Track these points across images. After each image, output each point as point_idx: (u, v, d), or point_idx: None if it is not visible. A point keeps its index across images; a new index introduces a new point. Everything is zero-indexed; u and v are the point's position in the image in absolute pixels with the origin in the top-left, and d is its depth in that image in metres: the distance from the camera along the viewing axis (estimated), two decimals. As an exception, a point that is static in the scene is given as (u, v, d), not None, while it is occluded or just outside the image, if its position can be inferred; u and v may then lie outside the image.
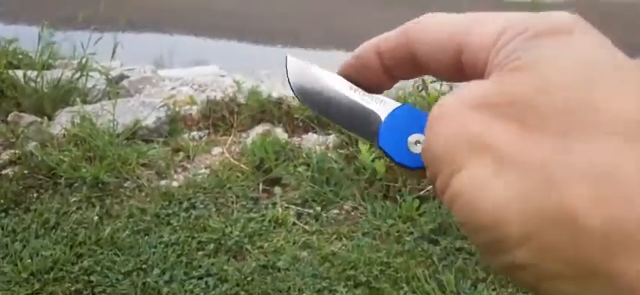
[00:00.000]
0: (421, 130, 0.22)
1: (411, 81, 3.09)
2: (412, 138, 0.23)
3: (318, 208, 2.05)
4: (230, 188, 2.14)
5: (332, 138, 2.42)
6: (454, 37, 0.20)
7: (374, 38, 0.23)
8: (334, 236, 1.93)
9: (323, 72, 0.27)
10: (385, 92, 0.26)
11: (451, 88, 2.62)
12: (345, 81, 0.26)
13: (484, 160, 0.16)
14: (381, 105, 0.25)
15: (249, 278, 1.72)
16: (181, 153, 2.36)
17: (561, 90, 0.16)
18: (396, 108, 0.24)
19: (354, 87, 0.25)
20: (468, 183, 0.16)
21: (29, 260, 1.76)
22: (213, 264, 1.77)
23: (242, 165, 2.28)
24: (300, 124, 2.54)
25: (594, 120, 0.15)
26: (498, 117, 0.16)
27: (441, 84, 2.61)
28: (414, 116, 0.24)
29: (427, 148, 0.19)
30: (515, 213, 0.15)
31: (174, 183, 2.19)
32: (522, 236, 0.15)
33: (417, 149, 0.23)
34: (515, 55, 0.17)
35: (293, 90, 0.27)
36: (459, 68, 0.20)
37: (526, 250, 0.15)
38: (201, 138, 2.49)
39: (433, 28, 0.21)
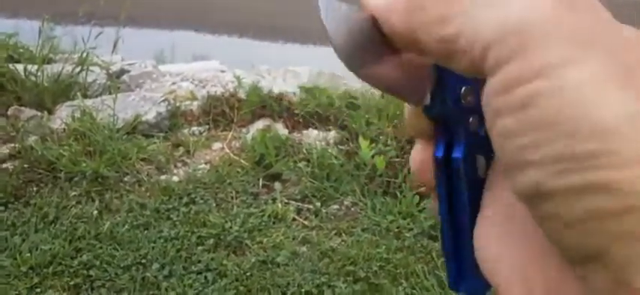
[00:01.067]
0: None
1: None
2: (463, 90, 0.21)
3: (318, 204, 2.04)
4: (230, 183, 2.14)
5: (332, 134, 2.42)
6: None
7: None
8: (334, 232, 1.93)
9: None
10: None
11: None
12: None
13: (594, 52, 0.14)
14: None
15: (248, 274, 1.72)
16: (181, 148, 2.35)
17: None
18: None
19: None
20: (587, 80, 0.13)
21: (28, 254, 1.76)
22: (212, 259, 1.77)
23: (242, 161, 2.27)
24: (301, 120, 2.53)
25: None
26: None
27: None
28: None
29: (505, 16, 0.14)
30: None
31: (174, 178, 2.18)
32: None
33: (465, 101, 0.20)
34: None
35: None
36: None
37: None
38: (201, 133, 2.49)
39: None
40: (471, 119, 0.21)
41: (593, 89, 0.13)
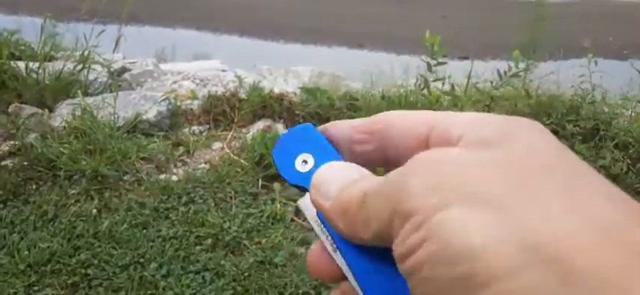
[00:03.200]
0: (312, 151, 0.24)
1: (412, 80, 3.07)
2: (301, 157, 0.24)
3: (317, 205, 2.04)
4: (229, 183, 2.14)
5: (332, 135, 2.41)
6: (426, 120, 0.21)
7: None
8: (333, 234, 1.92)
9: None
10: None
11: (453, 88, 2.60)
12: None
13: (471, 202, 0.16)
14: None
15: (246, 274, 1.71)
16: (181, 148, 2.35)
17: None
18: (299, 126, 0.25)
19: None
20: (455, 217, 0.16)
21: (27, 252, 1.76)
22: (210, 259, 1.77)
23: (242, 161, 2.27)
24: (301, 120, 2.53)
25: None
26: (484, 167, 0.17)
27: (443, 84, 2.60)
28: (311, 136, 0.24)
29: (404, 184, 0.18)
30: (502, 246, 0.15)
31: (174, 178, 2.18)
32: (507, 271, 0.15)
33: (301, 167, 0.24)
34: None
35: None
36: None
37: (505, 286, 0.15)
38: (201, 132, 2.48)
39: (407, 114, 0.22)
40: None
41: (459, 222, 0.16)
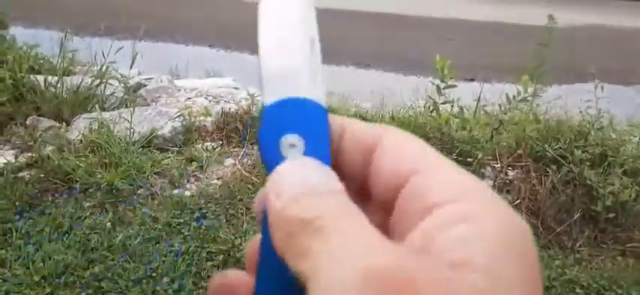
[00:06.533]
0: (302, 132, 0.20)
1: (421, 101, 3.10)
2: (287, 139, 0.20)
3: (327, 224, 2.06)
4: (241, 199, 2.17)
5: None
6: (368, 143, 0.21)
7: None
8: (342, 253, 1.94)
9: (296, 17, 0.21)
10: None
11: (461, 110, 2.62)
12: (311, 44, 0.21)
13: None
14: (294, 85, 0.20)
15: (257, 292, 1.73)
16: (195, 163, 2.39)
17: None
18: (292, 98, 0.20)
19: (318, 49, 0.21)
20: None
21: (41, 264, 1.79)
22: (222, 275, 1.79)
23: (253, 178, 2.30)
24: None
25: None
26: None
27: (452, 106, 2.63)
28: (304, 112, 0.20)
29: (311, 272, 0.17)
30: None
31: (187, 193, 2.21)
32: None
33: (287, 152, 0.20)
34: (426, 235, 0.17)
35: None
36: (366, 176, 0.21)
37: None
38: (214, 149, 2.53)
39: (358, 127, 0.22)
40: None
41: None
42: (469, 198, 0.18)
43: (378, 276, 0.15)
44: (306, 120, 0.20)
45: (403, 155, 0.20)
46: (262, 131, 0.20)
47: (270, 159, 0.20)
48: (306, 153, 0.20)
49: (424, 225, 0.17)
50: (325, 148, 0.20)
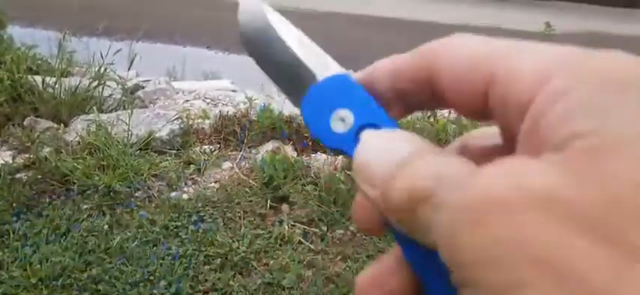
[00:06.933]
0: (351, 105, 0.20)
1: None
2: (338, 113, 0.20)
3: (324, 228, 2.07)
4: (238, 203, 2.17)
5: (340, 159, 2.45)
6: (486, 62, 0.16)
7: (391, 56, 0.20)
8: (339, 257, 1.94)
9: (280, 20, 0.23)
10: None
11: (459, 116, 2.64)
12: (301, 34, 0.23)
13: (547, 278, 0.12)
14: (323, 68, 0.21)
15: (254, 295, 1.73)
16: (192, 166, 2.40)
17: None
18: (335, 76, 0.21)
19: (307, 41, 0.22)
20: None
21: (39, 266, 1.79)
22: (219, 279, 1.79)
23: (251, 181, 2.31)
24: (309, 143, 2.57)
25: None
26: (566, 222, 0.12)
27: (450, 112, 2.65)
28: (349, 88, 0.21)
29: (469, 243, 0.13)
30: None
31: (184, 196, 2.22)
32: None
33: (338, 127, 0.20)
34: (584, 124, 0.13)
35: (241, 39, 0.23)
36: (485, 104, 0.17)
37: None
38: (212, 152, 2.53)
39: (461, 50, 0.17)
40: None
41: None
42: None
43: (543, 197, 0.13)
44: (347, 93, 0.21)
45: (470, 65, 0.17)
46: (309, 110, 0.21)
47: (325, 137, 0.20)
48: (356, 123, 0.20)
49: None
50: (375, 109, 0.20)
